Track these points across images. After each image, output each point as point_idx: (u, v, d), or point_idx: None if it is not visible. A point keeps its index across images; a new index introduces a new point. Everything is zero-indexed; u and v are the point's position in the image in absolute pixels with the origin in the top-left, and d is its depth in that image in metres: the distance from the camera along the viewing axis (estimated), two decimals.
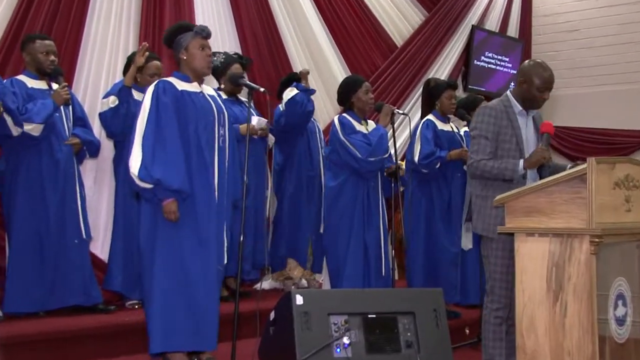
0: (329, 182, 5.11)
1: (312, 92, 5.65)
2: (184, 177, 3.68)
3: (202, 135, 3.80)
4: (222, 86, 5.14)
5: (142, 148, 3.63)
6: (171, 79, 3.87)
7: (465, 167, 4.67)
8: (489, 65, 9.09)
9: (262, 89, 4.07)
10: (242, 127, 4.96)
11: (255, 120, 5.09)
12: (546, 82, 3.83)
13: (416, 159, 5.31)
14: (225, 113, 3.97)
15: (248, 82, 4.30)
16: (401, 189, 5.31)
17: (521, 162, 3.75)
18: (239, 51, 6.22)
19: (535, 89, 3.81)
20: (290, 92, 5.56)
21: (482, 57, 8.96)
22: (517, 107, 3.88)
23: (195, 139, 3.79)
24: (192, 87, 3.89)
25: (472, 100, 5.90)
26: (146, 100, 3.74)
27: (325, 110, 7.09)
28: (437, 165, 5.31)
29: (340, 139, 4.99)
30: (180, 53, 3.88)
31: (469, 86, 8.78)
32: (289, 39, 6.88)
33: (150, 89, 3.78)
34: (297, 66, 6.85)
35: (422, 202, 5.44)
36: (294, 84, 5.64)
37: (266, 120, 5.21)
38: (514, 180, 3.75)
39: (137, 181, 3.62)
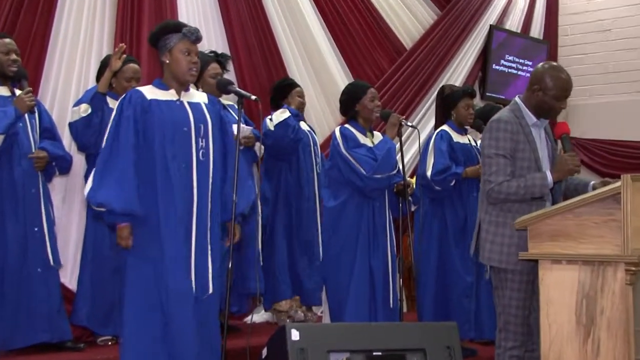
0: (328, 202, 5.08)
1: (301, 118, 5.81)
2: (129, 198, 3.69)
3: (168, 148, 3.81)
4: (201, 90, 5.14)
5: (96, 167, 3.75)
6: (144, 88, 3.92)
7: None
8: (510, 70, 9.12)
9: (253, 97, 4.08)
10: None
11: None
12: (564, 89, 3.78)
13: (429, 174, 5.28)
14: (210, 123, 3.96)
15: (238, 89, 4.30)
16: (412, 208, 5.30)
17: (548, 173, 3.71)
18: (227, 53, 6.22)
19: (551, 97, 3.77)
20: (282, 114, 5.61)
21: (502, 61, 8.99)
22: (531, 117, 3.84)
23: (161, 153, 3.80)
24: (167, 95, 3.90)
25: (489, 110, 5.89)
26: (113, 113, 3.85)
27: (325, 121, 7.10)
28: (452, 183, 5.31)
29: (342, 153, 4.99)
30: (163, 56, 3.91)
31: (487, 93, 8.80)
32: (284, 40, 6.90)
33: (119, 100, 3.87)
34: (293, 71, 6.87)
35: (434, 224, 5.40)
36: (285, 106, 5.72)
37: (250, 127, 5.22)
38: (544, 196, 3.73)
39: (91, 204, 3.77)
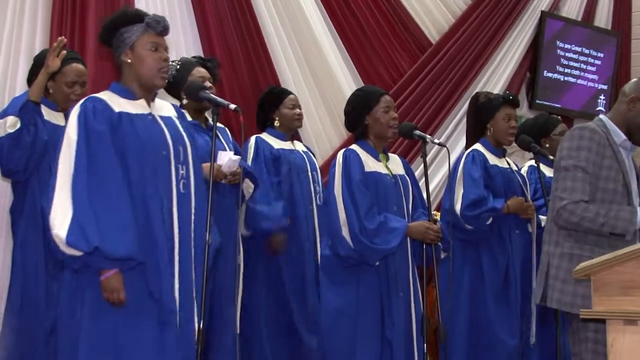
0: (324, 250, 4.96)
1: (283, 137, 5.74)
2: (132, 239, 3.63)
3: (149, 180, 3.76)
4: (185, 102, 5.10)
5: (72, 199, 3.58)
6: (104, 96, 3.83)
7: (545, 217, 4.58)
8: (567, 71, 9.17)
9: (232, 106, 4.06)
10: (205, 167, 4.85)
11: (225, 158, 5.01)
12: None
13: (457, 208, 5.27)
14: (188, 144, 3.95)
15: (212, 95, 4.26)
16: (442, 255, 5.24)
17: (639, 209, 3.79)
18: (201, 55, 6.20)
19: None
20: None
21: (557, 59, 9.00)
22: (619, 135, 3.96)
23: (139, 189, 3.74)
24: (136, 106, 3.85)
25: (544, 123, 5.88)
26: (71, 128, 3.70)
27: (327, 139, 7.10)
28: (489, 221, 5.27)
29: (334, 190, 4.87)
30: (122, 54, 3.85)
31: (537, 101, 8.81)
32: (274, 37, 6.96)
33: (74, 112, 3.74)
34: (286, 76, 6.88)
35: (465, 272, 5.41)
36: (268, 129, 5.67)
37: (240, 157, 5.15)
38: (627, 235, 3.75)
39: (64, 247, 3.55)
